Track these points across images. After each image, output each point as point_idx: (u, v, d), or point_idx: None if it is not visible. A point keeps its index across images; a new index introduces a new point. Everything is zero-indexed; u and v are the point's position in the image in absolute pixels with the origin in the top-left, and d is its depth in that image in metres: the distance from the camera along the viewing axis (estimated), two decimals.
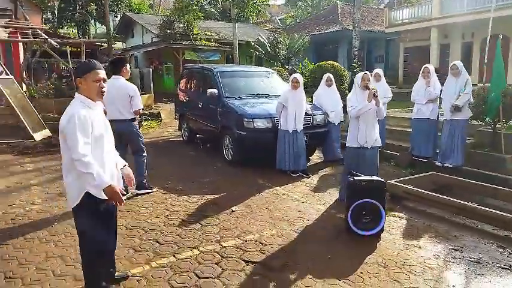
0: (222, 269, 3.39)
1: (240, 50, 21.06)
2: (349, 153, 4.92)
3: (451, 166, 6.33)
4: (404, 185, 5.09)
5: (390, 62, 24.04)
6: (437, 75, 6.94)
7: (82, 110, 2.59)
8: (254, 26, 28.74)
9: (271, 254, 3.68)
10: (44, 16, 21.82)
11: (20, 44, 13.41)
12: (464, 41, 17.91)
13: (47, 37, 11.54)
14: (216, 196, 5.39)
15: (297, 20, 32.45)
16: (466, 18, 15.99)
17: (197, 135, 9.24)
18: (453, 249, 3.84)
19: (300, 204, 5.12)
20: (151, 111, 13.38)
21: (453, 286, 3.20)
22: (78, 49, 14.55)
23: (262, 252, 3.71)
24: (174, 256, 3.62)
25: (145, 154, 5.48)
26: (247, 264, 3.47)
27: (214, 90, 7.54)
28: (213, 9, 28.77)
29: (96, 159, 2.59)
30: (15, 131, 9.10)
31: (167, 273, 3.31)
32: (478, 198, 5.07)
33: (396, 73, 20.82)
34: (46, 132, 9.29)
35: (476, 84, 9.90)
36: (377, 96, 4.58)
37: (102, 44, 17.55)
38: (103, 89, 2.71)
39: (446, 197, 4.68)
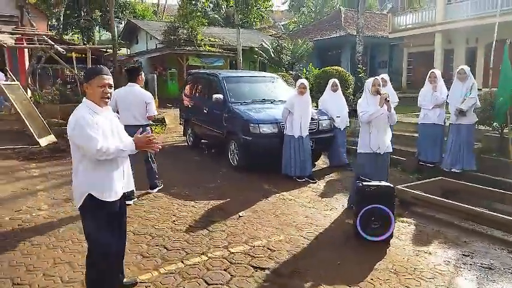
0: (231, 275, 3.36)
1: (244, 56, 21.12)
2: (360, 159, 4.86)
3: (458, 171, 6.28)
4: (413, 191, 5.05)
5: (394, 67, 24.01)
6: None
7: (86, 114, 2.62)
8: (257, 31, 28.84)
9: (280, 260, 3.65)
10: (49, 23, 21.98)
11: (26, 50, 13.51)
12: (468, 46, 17.88)
13: (53, 43, 11.61)
14: (222, 201, 5.37)
15: (300, 26, 32.52)
16: (470, 23, 15.99)
17: (202, 141, 9.23)
18: (464, 255, 3.79)
19: (307, 209, 5.08)
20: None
21: None
22: (83, 55, 14.66)
23: (271, 258, 3.68)
24: (182, 262, 3.59)
25: (154, 162, 5.69)
26: (256, 271, 3.44)
27: (220, 96, 7.55)
28: (216, 16, 28.91)
29: (103, 162, 2.65)
30: (20, 136, 9.14)
31: (176, 280, 3.28)
32: (486, 204, 5.02)
33: (400, 78, 20.79)
34: (51, 138, 9.31)
35: (480, 89, 9.87)
36: (389, 101, 4.55)
37: (107, 50, 17.65)
38: (107, 95, 2.72)
39: (455, 203, 4.64)
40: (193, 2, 22.89)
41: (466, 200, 4.93)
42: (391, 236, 4.01)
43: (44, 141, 8.97)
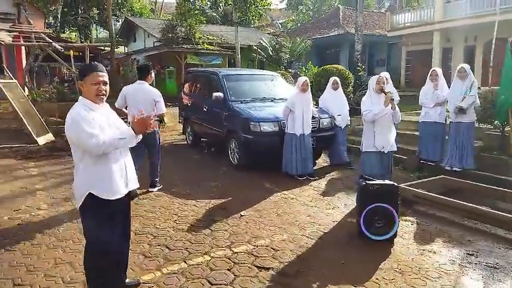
0: (234, 275, 3.32)
1: (242, 54, 21.05)
2: (365, 158, 4.83)
3: (459, 170, 6.27)
4: (415, 189, 5.02)
5: (392, 65, 24.00)
6: None
7: (82, 111, 2.60)
8: (255, 30, 28.78)
9: (284, 260, 3.61)
10: (46, 20, 21.84)
11: (23, 48, 13.40)
12: (466, 44, 17.89)
13: (51, 41, 11.52)
14: (223, 200, 5.33)
15: (298, 24, 32.47)
16: (469, 21, 15.98)
17: (202, 139, 9.18)
18: (468, 254, 3.77)
19: (309, 208, 5.05)
20: None
21: None
22: (80, 53, 14.56)
23: (275, 258, 3.64)
24: (185, 262, 3.55)
25: (159, 157, 5.75)
26: (260, 271, 3.40)
27: (220, 94, 7.49)
28: (214, 14, 28.82)
29: (104, 159, 2.63)
30: (18, 135, 9.06)
31: (179, 280, 3.24)
32: (489, 202, 5.01)
33: (398, 77, 20.77)
34: (49, 137, 9.24)
35: (479, 88, 9.87)
36: (393, 99, 4.52)
37: (105, 48, 17.55)
38: (102, 92, 2.68)
39: (458, 201, 4.62)
40: (191, 0, 22.82)
41: (467, 199, 4.91)
42: (395, 235, 3.98)
43: (42, 140, 8.89)
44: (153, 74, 5.72)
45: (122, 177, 2.78)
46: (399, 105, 8.15)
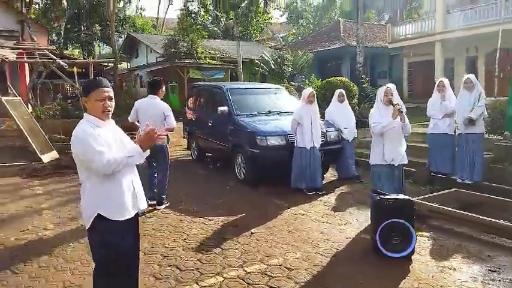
0: None
1: (244, 68, 21.15)
2: (374, 172, 4.74)
3: (470, 182, 6.15)
4: (430, 203, 4.91)
5: (394, 77, 24.01)
6: None
7: (88, 128, 2.51)
8: (257, 43, 28.98)
9: (299, 280, 3.49)
10: (50, 37, 22.03)
11: (26, 65, 13.45)
12: (468, 55, 17.91)
13: (55, 58, 11.57)
14: (232, 217, 5.22)
15: (299, 38, 32.69)
16: (470, 32, 16.03)
17: (207, 154, 9.11)
18: (490, 270, 3.65)
19: (321, 224, 4.94)
20: None
21: None
22: (83, 70, 14.61)
23: (290, 278, 3.52)
24: (197, 283, 3.44)
25: (168, 174, 5.78)
26: None
27: (225, 108, 7.45)
28: (216, 28, 29.06)
29: (111, 178, 2.53)
30: (22, 152, 8.99)
31: None
32: (505, 215, 4.89)
33: (401, 88, 20.77)
34: (54, 154, 9.17)
35: (485, 98, 9.82)
36: (402, 111, 4.45)
37: (109, 64, 17.65)
38: (107, 108, 2.59)
39: (475, 215, 4.51)
40: (193, 15, 23.03)
41: (483, 212, 4.80)
42: (412, 251, 3.86)
43: (46, 158, 8.82)
44: (163, 89, 5.78)
45: (131, 196, 2.68)
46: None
